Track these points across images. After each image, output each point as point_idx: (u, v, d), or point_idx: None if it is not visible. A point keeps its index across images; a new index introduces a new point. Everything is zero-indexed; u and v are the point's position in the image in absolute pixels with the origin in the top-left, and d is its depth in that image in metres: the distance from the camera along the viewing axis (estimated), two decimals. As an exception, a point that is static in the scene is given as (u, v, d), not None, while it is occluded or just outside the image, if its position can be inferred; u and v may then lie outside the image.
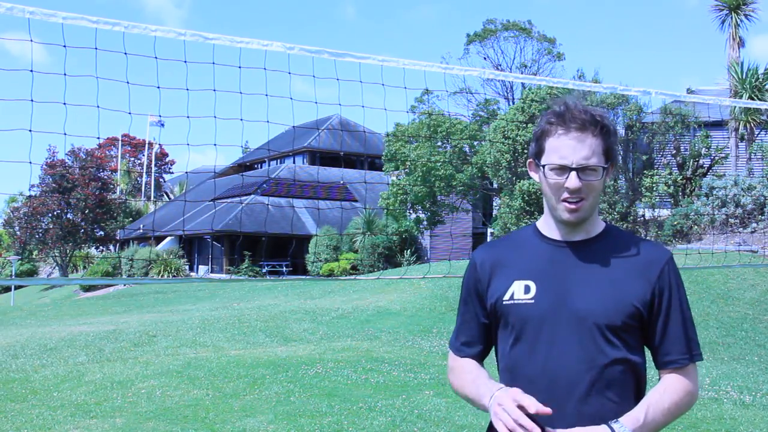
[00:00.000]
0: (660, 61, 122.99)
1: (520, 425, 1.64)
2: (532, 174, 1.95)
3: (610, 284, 1.81)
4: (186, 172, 47.61)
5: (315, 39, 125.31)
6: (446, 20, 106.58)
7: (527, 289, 1.85)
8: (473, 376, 1.92)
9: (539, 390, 1.77)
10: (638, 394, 1.82)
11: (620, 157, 21.87)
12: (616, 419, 1.71)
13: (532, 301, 1.83)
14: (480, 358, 2.01)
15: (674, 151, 22.25)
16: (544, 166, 1.83)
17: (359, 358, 9.30)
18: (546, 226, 1.94)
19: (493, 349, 2.00)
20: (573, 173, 1.78)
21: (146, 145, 50.79)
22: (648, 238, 20.12)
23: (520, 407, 1.67)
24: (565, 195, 1.81)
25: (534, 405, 1.65)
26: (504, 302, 1.87)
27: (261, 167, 44.71)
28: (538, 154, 1.87)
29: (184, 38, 4.09)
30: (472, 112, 32.78)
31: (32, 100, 4.09)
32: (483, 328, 1.98)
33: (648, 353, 1.90)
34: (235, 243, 31.71)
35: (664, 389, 1.81)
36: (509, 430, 1.65)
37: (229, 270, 30.23)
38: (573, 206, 1.81)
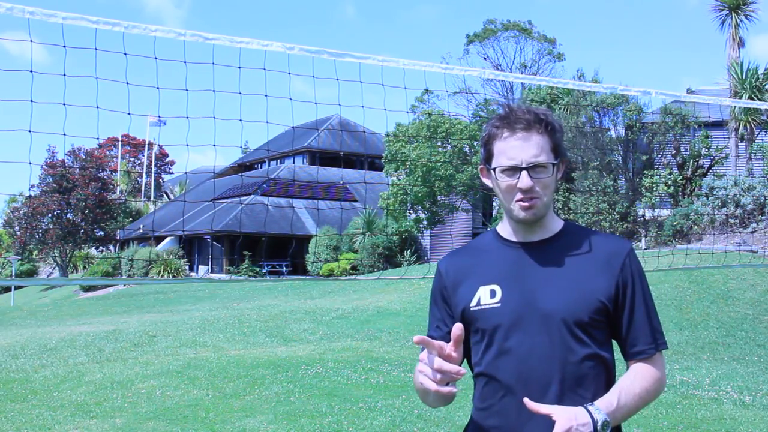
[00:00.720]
0: (660, 61, 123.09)
1: (443, 371, 1.66)
2: (484, 180, 1.98)
3: (573, 281, 1.83)
4: (185, 173, 47.62)
5: (315, 39, 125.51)
6: (446, 20, 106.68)
7: (493, 294, 1.86)
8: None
9: (514, 392, 1.79)
10: (609, 389, 1.84)
11: (618, 157, 21.88)
12: (592, 402, 1.73)
13: (499, 304, 1.84)
14: None
15: (674, 151, 22.25)
16: (494, 169, 1.86)
17: (359, 359, 9.30)
18: (505, 229, 1.96)
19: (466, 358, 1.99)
20: (524, 173, 1.81)
21: (146, 146, 50.83)
22: (646, 237, 20.15)
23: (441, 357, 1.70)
24: (519, 195, 1.83)
25: (433, 341, 1.69)
26: (471, 309, 1.88)
27: (261, 167, 44.71)
28: (488, 159, 1.91)
29: (183, 38, 4.09)
30: (472, 112, 32.78)
31: (32, 101, 4.10)
32: (448, 336, 1.98)
33: (617, 349, 1.92)
34: (235, 243, 31.71)
35: (633, 376, 1.83)
36: (433, 380, 1.68)
37: (229, 270, 30.23)
38: (527, 204, 1.83)
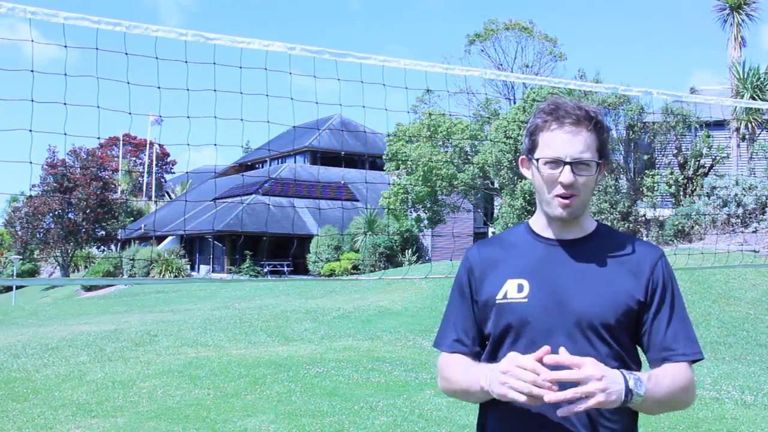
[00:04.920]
0: (663, 61, 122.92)
1: (537, 385, 1.60)
2: (524, 171, 1.95)
3: (603, 282, 1.81)
4: (186, 172, 47.71)
5: (319, 35, 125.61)
6: (451, 15, 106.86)
7: (520, 288, 1.84)
8: (464, 366, 1.88)
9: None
10: None
11: (619, 156, 21.87)
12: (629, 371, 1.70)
13: (526, 300, 1.82)
14: (473, 358, 1.96)
15: (676, 151, 22.23)
16: (537, 160, 1.83)
17: (360, 358, 9.30)
18: (538, 224, 1.93)
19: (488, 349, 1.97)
20: (567, 167, 1.78)
21: (147, 145, 50.89)
22: (647, 237, 20.13)
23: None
24: (559, 189, 1.81)
25: (534, 361, 1.63)
26: (497, 301, 1.85)
27: (262, 167, 44.75)
28: (532, 149, 1.87)
29: (185, 38, 4.09)
30: (473, 112, 32.77)
31: (32, 100, 4.10)
32: (475, 327, 1.95)
33: (644, 360, 1.89)
34: (237, 243, 31.72)
35: (663, 370, 1.78)
36: (527, 392, 1.60)
37: (231, 270, 30.24)
38: (566, 201, 1.81)
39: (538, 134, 1.85)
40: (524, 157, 1.92)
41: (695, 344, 1.84)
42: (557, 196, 1.81)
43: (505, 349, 1.85)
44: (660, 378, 1.73)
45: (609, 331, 1.78)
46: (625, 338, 1.81)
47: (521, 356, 1.65)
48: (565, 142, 1.79)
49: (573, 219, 1.86)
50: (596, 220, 1.97)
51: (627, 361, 1.81)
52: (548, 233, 1.91)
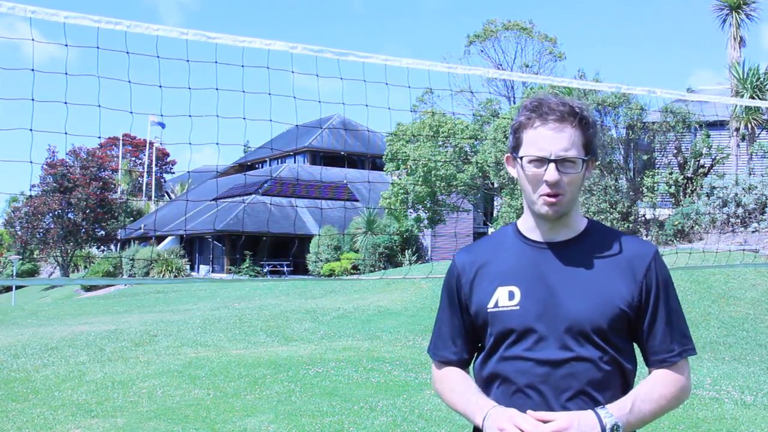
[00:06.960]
0: (663, 61, 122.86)
1: None
2: (509, 169, 1.90)
3: (595, 287, 1.78)
4: (188, 171, 47.74)
5: (320, 34, 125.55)
6: (451, 15, 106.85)
7: (511, 296, 1.81)
8: (462, 389, 1.88)
9: (528, 395, 1.76)
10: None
11: (619, 156, 21.86)
12: (603, 406, 1.70)
13: (517, 307, 1.79)
14: (464, 365, 1.97)
15: (675, 151, 22.23)
16: (521, 158, 1.79)
17: (360, 358, 9.30)
18: (526, 225, 1.89)
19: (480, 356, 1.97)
20: (551, 165, 1.74)
21: (147, 145, 50.91)
22: (647, 237, 20.13)
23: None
24: (544, 188, 1.76)
25: (533, 423, 1.65)
26: (489, 310, 1.82)
27: (262, 167, 44.75)
28: (516, 147, 1.82)
29: (186, 37, 4.09)
30: (473, 112, 32.77)
31: (33, 99, 4.09)
32: (466, 334, 1.94)
33: (639, 358, 1.89)
34: (237, 243, 31.71)
35: (653, 382, 1.79)
36: None
37: (230, 270, 30.23)
38: (552, 200, 1.76)
39: (521, 132, 1.81)
40: (509, 155, 1.88)
41: (689, 340, 1.84)
42: (543, 195, 1.77)
43: (497, 356, 1.83)
44: (645, 402, 1.74)
45: (601, 336, 1.76)
46: (619, 341, 1.79)
47: (518, 416, 1.67)
48: (549, 139, 1.75)
49: (560, 218, 1.82)
50: (587, 218, 1.92)
51: (622, 364, 1.79)
52: (536, 235, 1.86)
